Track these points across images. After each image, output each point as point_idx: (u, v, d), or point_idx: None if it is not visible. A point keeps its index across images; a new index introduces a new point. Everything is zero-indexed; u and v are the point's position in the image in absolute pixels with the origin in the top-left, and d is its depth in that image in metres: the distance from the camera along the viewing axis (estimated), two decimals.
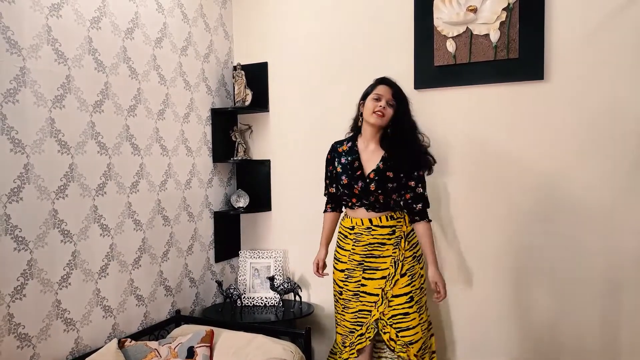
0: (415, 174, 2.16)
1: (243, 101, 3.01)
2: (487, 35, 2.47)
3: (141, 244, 2.50)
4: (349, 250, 2.23)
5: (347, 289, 2.23)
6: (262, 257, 3.05)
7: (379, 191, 2.14)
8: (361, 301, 2.20)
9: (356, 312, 2.21)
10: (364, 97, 2.22)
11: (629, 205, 2.28)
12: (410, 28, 2.66)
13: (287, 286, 2.87)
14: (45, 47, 2.01)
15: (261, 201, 3.14)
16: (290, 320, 2.78)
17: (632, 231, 2.27)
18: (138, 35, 2.47)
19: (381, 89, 2.16)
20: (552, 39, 2.38)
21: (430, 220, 2.20)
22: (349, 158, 2.23)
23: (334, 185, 2.30)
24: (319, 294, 3.01)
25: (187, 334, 2.34)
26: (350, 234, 2.24)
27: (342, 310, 2.26)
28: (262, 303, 2.97)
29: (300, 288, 2.93)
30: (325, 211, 2.44)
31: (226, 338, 2.37)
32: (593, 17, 2.30)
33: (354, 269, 2.21)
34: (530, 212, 2.46)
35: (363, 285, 2.19)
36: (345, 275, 2.24)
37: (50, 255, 2.03)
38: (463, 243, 2.62)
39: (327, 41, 2.91)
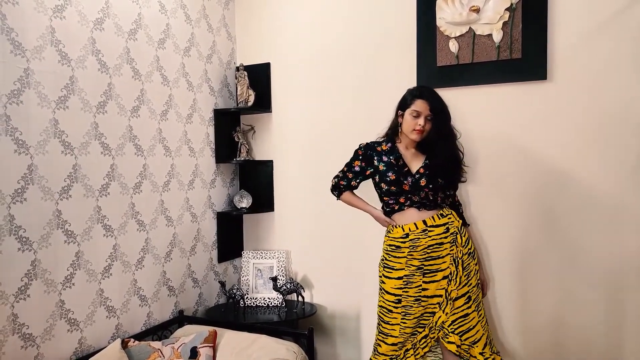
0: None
1: (246, 102, 3.02)
2: (489, 35, 2.46)
3: (144, 245, 2.50)
4: (405, 257, 2.15)
5: (407, 296, 2.14)
6: (265, 258, 3.05)
7: (430, 186, 2.14)
8: (423, 305, 2.14)
9: (418, 316, 2.15)
10: (402, 108, 2.18)
11: (633, 205, 2.27)
12: (413, 28, 2.66)
13: (290, 286, 2.87)
14: (48, 48, 2.02)
15: (264, 202, 3.14)
16: (293, 320, 2.78)
17: (635, 231, 2.26)
18: (141, 36, 2.48)
19: (419, 105, 2.11)
20: (555, 39, 2.37)
21: (469, 225, 2.42)
22: (392, 157, 2.20)
23: (358, 180, 2.30)
24: (322, 294, 3.01)
25: (190, 334, 2.34)
26: (404, 242, 2.15)
27: (404, 318, 2.15)
28: (265, 303, 2.98)
29: (303, 288, 2.93)
30: (343, 191, 2.35)
31: (229, 338, 2.37)
32: (596, 17, 2.30)
33: (413, 274, 2.14)
34: (534, 213, 2.46)
35: (424, 289, 2.13)
36: (403, 282, 2.15)
37: (54, 255, 2.04)
38: None
39: (330, 41, 2.91)
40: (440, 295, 2.12)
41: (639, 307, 2.27)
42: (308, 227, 3.04)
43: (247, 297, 2.98)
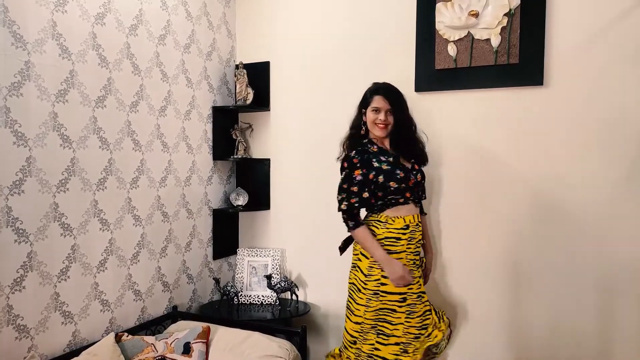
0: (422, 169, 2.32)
1: (244, 100, 3.03)
2: (488, 40, 2.48)
3: (140, 240, 2.51)
4: (405, 251, 2.12)
5: (411, 293, 2.12)
6: (260, 256, 3.07)
7: (422, 182, 2.29)
8: (423, 302, 2.18)
9: (421, 315, 2.16)
10: (364, 106, 2.24)
11: (624, 213, 2.29)
12: (412, 31, 2.68)
13: (284, 285, 2.89)
14: (50, 41, 2.03)
15: (260, 200, 3.15)
16: (286, 318, 2.79)
17: (627, 238, 2.28)
18: (142, 32, 2.49)
19: (378, 101, 2.18)
20: (553, 45, 2.40)
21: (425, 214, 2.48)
22: (389, 157, 2.18)
23: (369, 188, 2.13)
24: (315, 293, 3.03)
25: (183, 330, 2.35)
26: (404, 234, 2.13)
27: (408, 317, 2.11)
28: (258, 301, 2.99)
29: (297, 287, 2.94)
30: (359, 224, 2.14)
31: (222, 335, 2.38)
32: (593, 24, 2.32)
33: (414, 270, 2.16)
34: (527, 218, 2.48)
35: (421, 284, 2.22)
36: None
37: (50, 248, 2.05)
38: (459, 251, 2.63)
39: (329, 42, 2.93)
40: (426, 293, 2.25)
41: (627, 314, 2.29)
42: (303, 226, 3.05)
43: (241, 295, 2.99)
